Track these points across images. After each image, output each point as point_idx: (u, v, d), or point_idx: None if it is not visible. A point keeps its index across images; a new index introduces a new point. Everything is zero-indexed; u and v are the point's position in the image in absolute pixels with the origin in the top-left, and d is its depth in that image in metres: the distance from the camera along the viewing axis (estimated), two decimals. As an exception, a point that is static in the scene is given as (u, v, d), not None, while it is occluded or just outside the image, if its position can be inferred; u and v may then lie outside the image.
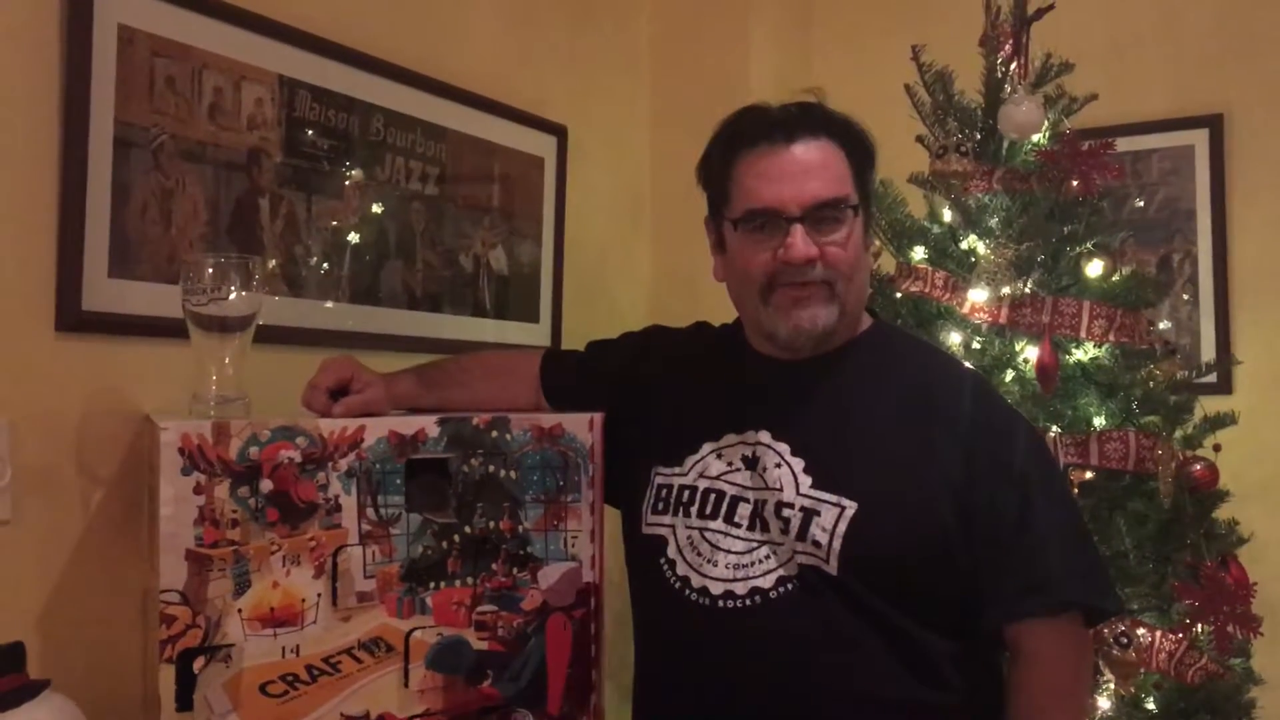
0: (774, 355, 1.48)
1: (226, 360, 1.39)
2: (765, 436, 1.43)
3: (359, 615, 1.35)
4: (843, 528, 1.33)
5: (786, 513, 1.36)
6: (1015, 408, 1.64)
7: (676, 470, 1.48)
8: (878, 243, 2.17)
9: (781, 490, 1.38)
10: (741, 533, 1.39)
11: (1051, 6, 2.06)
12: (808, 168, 1.38)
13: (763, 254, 1.39)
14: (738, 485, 1.42)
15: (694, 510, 1.43)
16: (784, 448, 1.41)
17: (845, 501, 1.34)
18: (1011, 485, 1.36)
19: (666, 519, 1.45)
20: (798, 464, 1.39)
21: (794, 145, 1.39)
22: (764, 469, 1.40)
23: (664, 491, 1.47)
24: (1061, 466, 1.92)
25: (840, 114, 1.45)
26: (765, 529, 1.37)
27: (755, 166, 1.40)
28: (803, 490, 1.37)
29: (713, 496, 1.43)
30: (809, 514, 1.35)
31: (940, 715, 1.34)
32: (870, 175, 1.46)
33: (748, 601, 1.34)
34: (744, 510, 1.40)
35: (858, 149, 1.43)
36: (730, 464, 1.44)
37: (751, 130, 1.43)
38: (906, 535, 1.33)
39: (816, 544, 1.33)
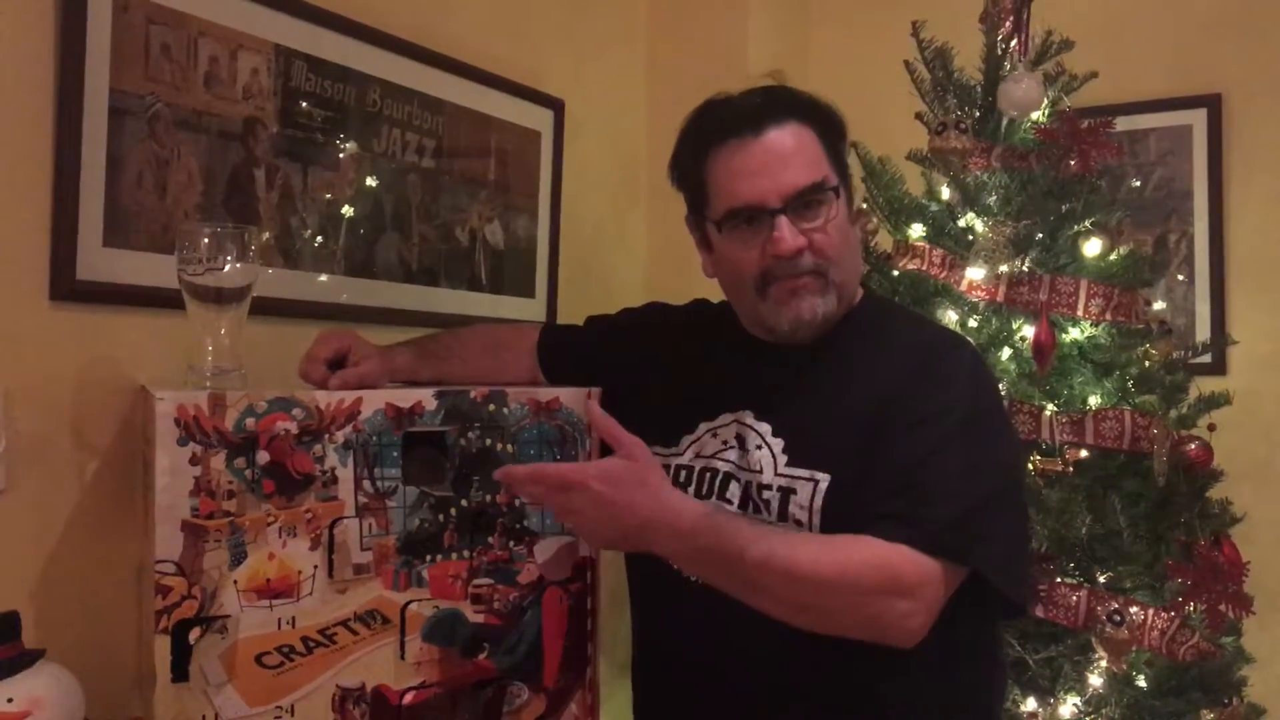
0: (764, 337, 1.46)
1: (223, 331, 1.38)
2: (748, 417, 1.42)
3: (355, 587, 1.34)
4: (819, 502, 1.31)
5: (766, 494, 1.36)
6: (996, 377, 1.59)
7: (673, 451, 1.47)
8: (875, 219, 2.17)
9: (761, 472, 1.37)
10: (733, 510, 1.38)
11: (1052, -17, 2.05)
12: (782, 156, 1.35)
13: (751, 251, 1.37)
14: (730, 463, 1.42)
15: (690, 491, 1.42)
16: (765, 428, 1.40)
17: (819, 475, 1.32)
18: (931, 429, 1.29)
19: (662, 499, 1.44)
20: (777, 444, 1.38)
21: (764, 135, 1.36)
22: (747, 449, 1.40)
23: (660, 472, 1.46)
24: (1056, 445, 1.92)
25: (804, 93, 1.42)
26: (756, 510, 1.37)
27: (729, 163, 1.38)
28: (780, 470, 1.36)
29: (708, 475, 1.42)
30: (786, 493, 1.34)
31: (937, 696, 1.34)
32: (843, 149, 1.44)
33: None
34: (734, 489, 1.40)
35: (827, 126, 1.40)
36: (725, 442, 1.44)
37: (719, 125, 1.40)
38: None
39: (798, 523, 1.32)
